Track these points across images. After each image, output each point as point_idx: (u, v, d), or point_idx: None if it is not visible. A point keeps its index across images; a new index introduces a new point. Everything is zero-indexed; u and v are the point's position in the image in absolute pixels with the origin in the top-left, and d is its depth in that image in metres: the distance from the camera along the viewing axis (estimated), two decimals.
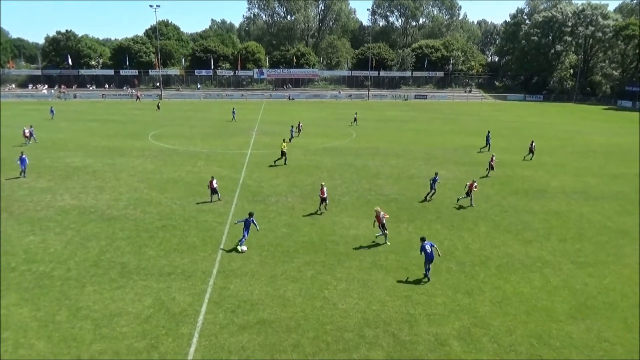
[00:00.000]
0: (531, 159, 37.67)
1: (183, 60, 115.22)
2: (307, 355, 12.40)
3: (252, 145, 42.39)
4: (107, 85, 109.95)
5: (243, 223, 18.90)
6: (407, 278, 16.66)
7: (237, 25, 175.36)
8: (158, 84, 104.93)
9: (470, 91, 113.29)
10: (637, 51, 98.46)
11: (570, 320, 14.23)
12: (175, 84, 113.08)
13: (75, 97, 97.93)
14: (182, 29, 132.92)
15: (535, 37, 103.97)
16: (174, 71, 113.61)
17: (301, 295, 15.48)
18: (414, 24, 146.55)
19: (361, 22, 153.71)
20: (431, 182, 26.04)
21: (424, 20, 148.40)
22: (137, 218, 22.66)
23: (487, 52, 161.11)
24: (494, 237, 20.93)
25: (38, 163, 33.46)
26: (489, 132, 42.77)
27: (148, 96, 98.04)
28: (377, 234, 20.45)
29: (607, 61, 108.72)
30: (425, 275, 16.59)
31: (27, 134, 41.68)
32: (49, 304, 14.61)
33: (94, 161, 35.14)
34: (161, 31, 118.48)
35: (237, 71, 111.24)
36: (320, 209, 23.77)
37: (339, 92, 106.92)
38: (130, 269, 17.17)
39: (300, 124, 49.42)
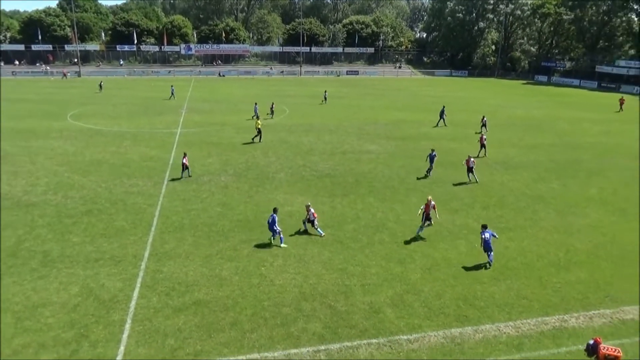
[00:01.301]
0: (486, 131, 38.10)
1: (103, 34, 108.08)
2: (245, 332, 12.40)
3: (181, 124, 40.93)
4: (17, 62, 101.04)
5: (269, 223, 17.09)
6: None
7: None
8: (76, 60, 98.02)
9: (400, 67, 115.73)
10: (552, 29, 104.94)
11: (493, 281, 15.25)
12: (95, 60, 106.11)
13: None
14: (100, 1, 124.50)
15: (460, 14, 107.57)
16: (93, 46, 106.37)
17: (237, 273, 15.38)
18: None
19: None
20: (428, 158, 26.73)
21: None
22: (59, 203, 21.30)
23: (416, 29, 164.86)
24: None
25: None
26: (443, 107, 42.58)
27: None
28: (421, 227, 18.54)
29: (525, 38, 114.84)
30: (489, 263, 16.20)
31: None
32: None
33: (5, 144, 32.40)
34: (77, 3, 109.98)
35: (162, 47, 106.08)
36: (302, 229, 18.92)
37: (271, 69, 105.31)
38: (53, 257, 16.19)
39: (273, 105, 46.03)
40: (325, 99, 57.34)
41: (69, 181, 24.52)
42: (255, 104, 43.57)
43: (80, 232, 18.29)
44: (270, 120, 42.99)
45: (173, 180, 24.94)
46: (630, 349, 11.97)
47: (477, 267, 16.10)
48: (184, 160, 24.94)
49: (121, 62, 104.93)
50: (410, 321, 13.02)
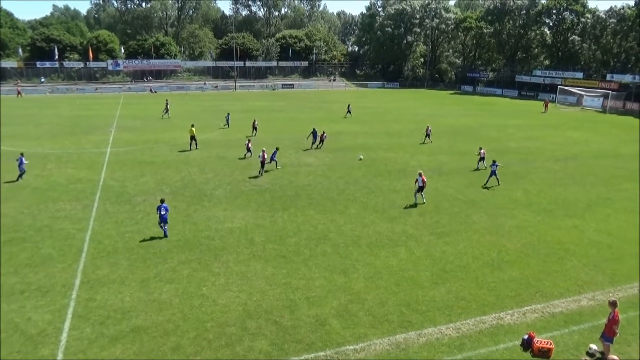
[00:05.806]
0: (430, 141, 40.74)
1: (20, 50, 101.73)
2: (188, 355, 11.94)
3: (111, 143, 39.16)
4: None
5: None
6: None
7: (84, 12, 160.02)
8: None
9: (334, 80, 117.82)
10: (474, 41, 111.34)
11: (433, 285, 15.72)
12: (13, 77, 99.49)
13: None
14: (16, 16, 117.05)
15: (389, 29, 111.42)
16: (10, 63, 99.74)
17: (178, 295, 14.82)
18: (277, 13, 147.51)
19: (223, 12, 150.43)
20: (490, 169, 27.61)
21: (286, 10, 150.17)
22: None
23: (348, 42, 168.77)
24: (364, 217, 22.16)
25: None
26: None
27: None
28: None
29: (450, 50, 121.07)
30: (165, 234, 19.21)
31: None
32: None
33: None
34: None
35: (88, 63, 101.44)
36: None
37: (205, 84, 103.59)
38: None
39: (255, 121, 44.22)
40: (349, 112, 57.53)
41: None
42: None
43: (1, 263, 16.90)
44: (207, 136, 42.14)
45: (115, 201, 23.73)
46: (561, 340, 12.72)
47: (417, 273, 16.54)
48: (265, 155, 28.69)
49: (42, 80, 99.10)
50: (356, 331, 13.10)
